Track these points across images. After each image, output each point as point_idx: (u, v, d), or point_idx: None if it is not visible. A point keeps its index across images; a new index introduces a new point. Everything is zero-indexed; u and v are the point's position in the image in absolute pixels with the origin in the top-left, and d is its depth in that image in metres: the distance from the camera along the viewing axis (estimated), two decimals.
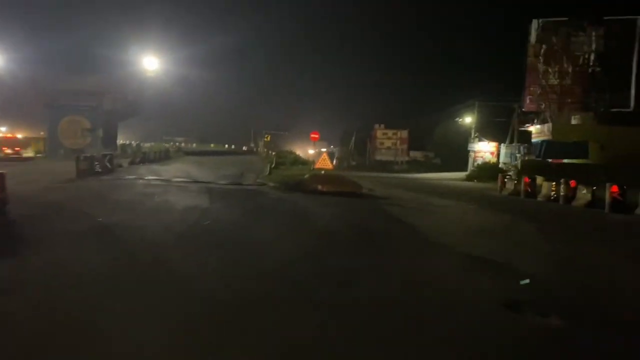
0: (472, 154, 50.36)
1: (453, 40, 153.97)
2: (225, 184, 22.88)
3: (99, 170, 25.07)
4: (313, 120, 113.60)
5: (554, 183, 21.92)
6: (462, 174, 47.90)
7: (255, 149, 60.80)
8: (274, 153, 39.68)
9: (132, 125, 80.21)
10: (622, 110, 47.45)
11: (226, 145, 75.14)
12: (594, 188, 19.45)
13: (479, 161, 48.83)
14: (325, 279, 7.35)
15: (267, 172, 27.17)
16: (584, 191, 19.83)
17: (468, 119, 51.49)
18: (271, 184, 23.23)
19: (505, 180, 25.98)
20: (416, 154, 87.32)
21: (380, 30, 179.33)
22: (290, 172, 27.86)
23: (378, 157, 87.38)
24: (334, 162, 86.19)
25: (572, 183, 20.68)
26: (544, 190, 22.56)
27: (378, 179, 38.62)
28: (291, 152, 41.80)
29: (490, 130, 51.57)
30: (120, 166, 30.32)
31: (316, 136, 33.76)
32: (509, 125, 50.97)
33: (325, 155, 23.19)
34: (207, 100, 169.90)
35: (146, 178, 23.45)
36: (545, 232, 13.27)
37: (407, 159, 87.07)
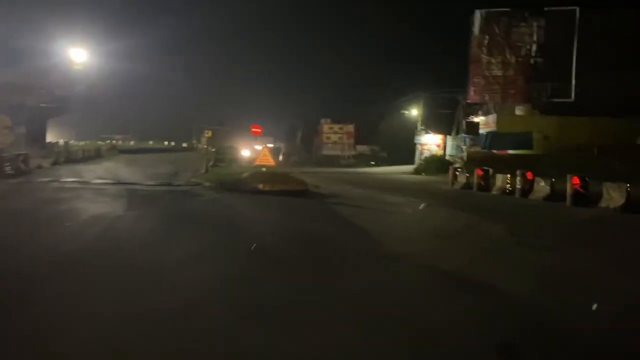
0: (418, 147, 49.09)
1: (399, 31, 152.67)
2: (153, 185, 20.19)
3: (10, 172, 21.79)
4: (259, 116, 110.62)
5: (509, 175, 20.46)
6: (410, 168, 46.55)
7: (195, 146, 57.54)
8: (213, 149, 36.91)
9: (67, 124, 75.05)
10: (564, 100, 47.40)
11: (166, 143, 71.37)
12: (553, 180, 18.03)
13: (426, 154, 47.58)
14: (246, 328, 5.08)
15: (204, 171, 24.55)
16: (542, 183, 18.38)
17: (414, 112, 50.21)
18: (206, 184, 20.72)
19: (457, 173, 24.43)
20: (363, 148, 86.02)
21: (325, 22, 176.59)
22: (229, 169, 25.42)
23: (325, 152, 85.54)
24: (280, 157, 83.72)
25: (529, 175, 19.24)
26: (498, 183, 21.08)
27: (325, 174, 36.57)
28: (232, 148, 39.09)
29: (437, 122, 50.49)
30: (40, 167, 26.95)
31: (258, 130, 31.27)
32: (454, 117, 50.13)
33: (266, 151, 20.85)
34: (147, 96, 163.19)
35: (62, 180, 20.42)
36: (515, 233, 11.47)
37: (353, 153, 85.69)
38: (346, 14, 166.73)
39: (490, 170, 22.41)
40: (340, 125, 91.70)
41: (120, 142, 74.88)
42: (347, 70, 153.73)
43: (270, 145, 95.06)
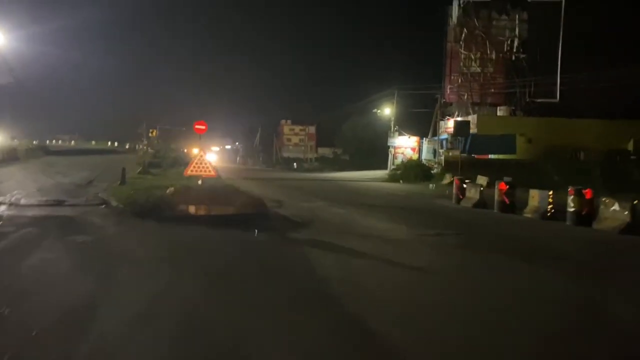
0: (391, 151, 42.55)
1: (370, 22, 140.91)
2: (28, 206, 12.79)
3: None
4: (218, 116, 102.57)
5: (550, 192, 14.00)
6: (381, 173, 40.07)
7: (138, 148, 49.59)
8: (151, 150, 29.36)
9: (8, 122, 65.10)
10: (548, 101, 41.86)
11: (109, 143, 62.81)
12: (635, 202, 11.61)
13: (400, 158, 41.19)
14: None
15: (119, 182, 17.04)
16: (614, 207, 11.96)
17: (387, 110, 43.61)
18: (113, 203, 13.41)
19: (464, 186, 17.86)
20: (324, 151, 79.52)
21: (288, 16, 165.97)
22: (159, 180, 18.12)
23: (285, 154, 78.70)
24: (238, 160, 75.88)
25: (588, 193, 12.83)
26: (533, 202, 14.58)
27: (288, 182, 29.58)
28: (174, 150, 31.53)
29: (411, 122, 44.26)
30: None
31: (202, 127, 24.05)
32: (431, 117, 43.92)
33: (202, 156, 13.58)
34: (99, 94, 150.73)
35: None
36: None
37: (315, 155, 79.20)
38: (310, 5, 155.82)
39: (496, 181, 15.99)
40: (301, 127, 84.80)
41: (60, 142, 66.02)
42: (310, 68, 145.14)
43: (228, 147, 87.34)
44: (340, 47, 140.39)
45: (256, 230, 10.30)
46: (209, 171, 13.34)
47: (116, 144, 61.43)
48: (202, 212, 11.81)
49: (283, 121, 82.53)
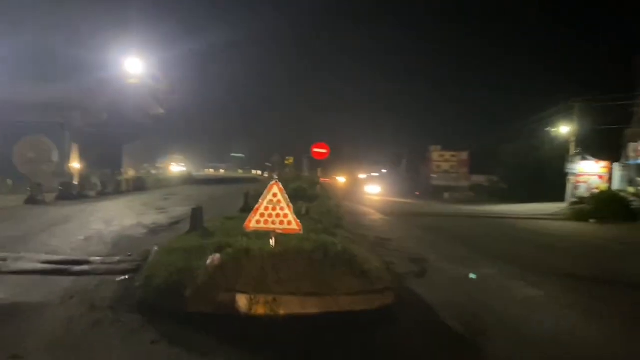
0: (571, 179, 32.85)
1: (533, 25, 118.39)
2: (13, 272, 7.81)
3: None
4: (367, 142, 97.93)
5: None
6: (555, 207, 30.67)
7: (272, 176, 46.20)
8: (275, 176, 24.48)
9: (179, 151, 67.18)
10: None
11: (253, 172, 61.51)
12: None
13: (583, 188, 31.44)
14: None
15: (189, 227, 11.49)
16: None
17: (564, 129, 34.02)
18: (144, 272, 7.87)
19: None
20: (478, 178, 69.74)
21: (441, 23, 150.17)
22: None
23: (435, 182, 70.66)
24: (382, 189, 69.24)
25: None
26: None
27: (437, 220, 22.46)
28: (298, 177, 26.29)
29: (592, 144, 34.12)
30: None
31: (323, 151, 18.37)
32: (618, 136, 33.40)
33: (277, 195, 7.27)
34: (254, 121, 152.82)
35: None
36: None
37: (468, 184, 69.98)
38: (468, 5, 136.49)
39: None
40: (452, 153, 76.20)
41: (211, 171, 66.67)
42: (461, 85, 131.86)
43: (375, 175, 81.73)
44: (497, 58, 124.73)
45: None
46: (289, 224, 7.13)
47: (259, 172, 59.97)
48: (260, 308, 5.66)
49: (433, 147, 74.82)
